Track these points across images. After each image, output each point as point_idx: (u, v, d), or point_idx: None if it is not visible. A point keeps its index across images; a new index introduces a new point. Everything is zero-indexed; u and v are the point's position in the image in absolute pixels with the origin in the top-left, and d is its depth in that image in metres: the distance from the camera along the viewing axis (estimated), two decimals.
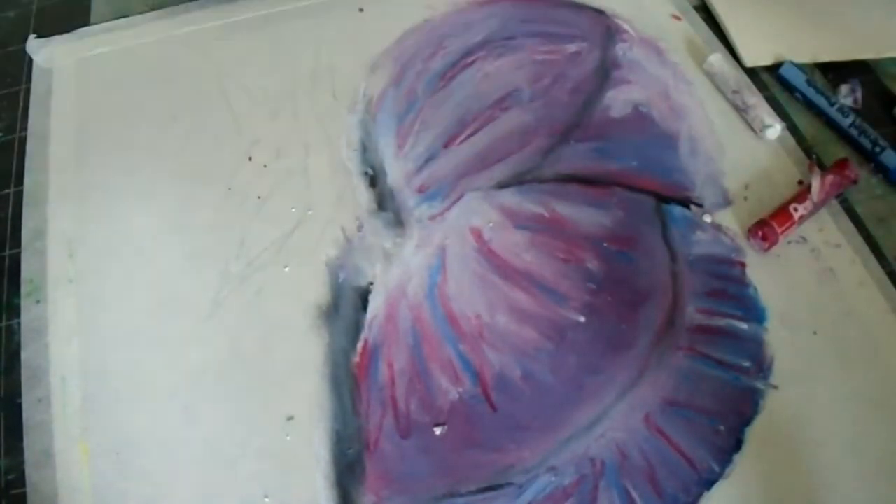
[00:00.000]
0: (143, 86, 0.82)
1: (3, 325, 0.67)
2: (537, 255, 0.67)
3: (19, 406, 0.62)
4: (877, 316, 0.63)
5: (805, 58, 0.79)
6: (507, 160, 0.73)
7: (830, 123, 0.75)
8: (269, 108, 0.79)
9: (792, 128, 0.76)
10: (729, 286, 0.65)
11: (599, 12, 0.85)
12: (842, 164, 0.69)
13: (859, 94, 0.77)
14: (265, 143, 0.76)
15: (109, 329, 0.66)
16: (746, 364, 0.61)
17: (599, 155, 0.73)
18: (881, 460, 0.57)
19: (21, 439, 0.61)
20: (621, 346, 0.62)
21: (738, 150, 0.74)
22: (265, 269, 0.68)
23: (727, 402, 0.59)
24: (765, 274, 0.65)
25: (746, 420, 0.59)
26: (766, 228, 0.66)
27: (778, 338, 0.62)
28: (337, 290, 0.67)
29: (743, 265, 0.66)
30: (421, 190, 0.72)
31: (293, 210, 0.72)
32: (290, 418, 0.60)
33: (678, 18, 0.85)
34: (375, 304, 0.66)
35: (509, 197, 0.71)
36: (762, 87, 0.78)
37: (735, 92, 0.76)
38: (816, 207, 0.67)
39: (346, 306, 0.66)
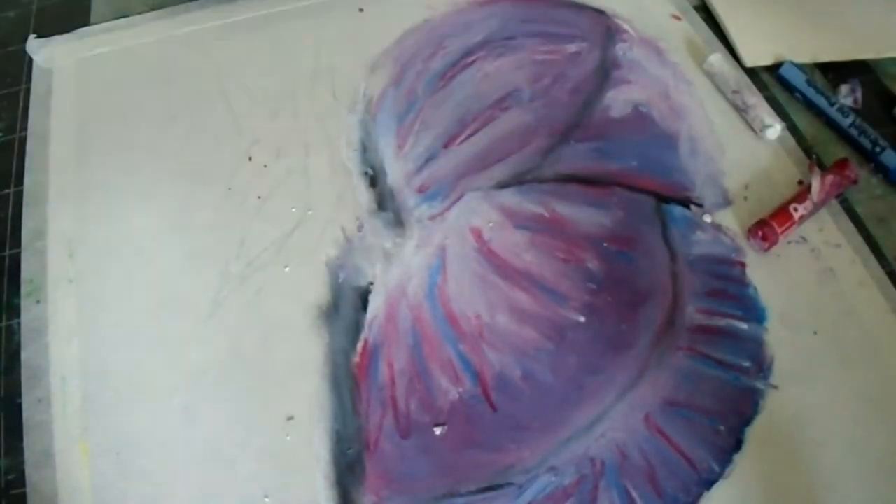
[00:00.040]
0: (143, 86, 0.82)
1: (3, 325, 0.67)
2: (537, 255, 0.67)
3: (19, 406, 0.62)
4: (877, 316, 0.63)
5: (805, 58, 0.79)
6: (507, 160, 0.73)
7: (830, 123, 0.75)
8: (269, 108, 0.79)
9: (792, 128, 0.76)
10: (729, 286, 0.65)
11: (599, 12, 0.85)
12: (842, 164, 0.69)
13: (859, 94, 0.77)
14: (265, 143, 0.76)
15: (109, 329, 0.66)
16: (746, 364, 0.61)
17: (599, 155, 0.73)
18: (881, 460, 0.57)
19: (21, 439, 0.61)
20: (621, 346, 0.62)
21: (738, 150, 0.74)
22: (265, 269, 0.68)
23: (727, 402, 0.59)
24: (765, 274, 0.65)
25: (746, 420, 0.59)
26: (766, 228, 0.66)
27: (778, 338, 0.62)
28: (337, 290, 0.67)
29: (743, 265, 0.66)
30: (421, 190, 0.72)
31: (293, 210, 0.72)
32: (290, 418, 0.60)
33: (678, 18, 0.85)
34: (375, 304, 0.66)
35: (509, 197, 0.71)
36: (762, 87, 0.78)
37: (735, 92, 0.76)
38: (816, 207, 0.67)
39: (346, 306, 0.66)
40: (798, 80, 0.77)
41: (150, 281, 0.68)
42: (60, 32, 0.87)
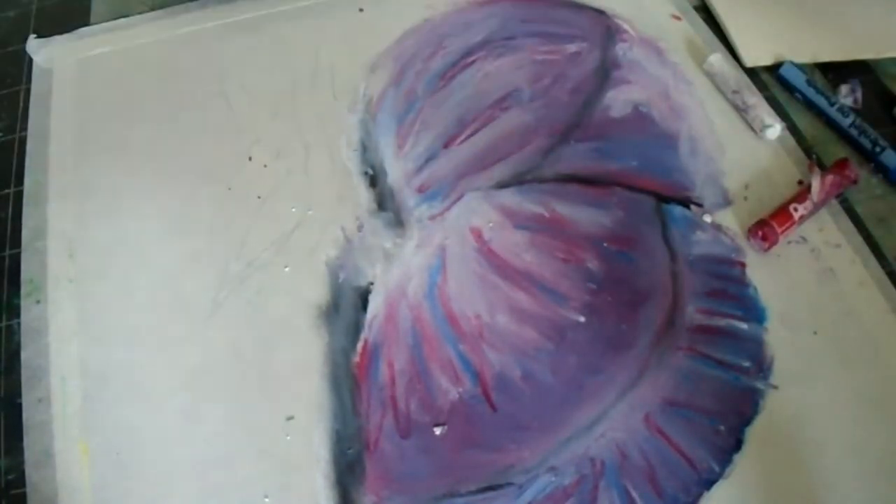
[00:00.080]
0: (142, 86, 0.82)
1: (3, 325, 0.67)
2: (537, 255, 0.67)
3: (19, 406, 0.62)
4: (877, 316, 0.63)
5: (805, 58, 0.79)
6: (507, 160, 0.73)
7: (830, 123, 0.75)
8: (269, 108, 0.79)
9: (792, 128, 0.76)
10: (729, 286, 0.65)
11: (599, 12, 0.85)
12: (842, 164, 0.69)
13: (859, 94, 0.77)
14: (265, 143, 0.76)
15: (109, 329, 0.66)
16: (746, 364, 0.61)
17: (599, 155, 0.73)
18: (881, 460, 0.57)
19: (21, 439, 0.61)
20: (621, 346, 0.62)
21: (738, 150, 0.74)
22: (265, 269, 0.68)
23: (727, 402, 0.59)
24: (765, 274, 0.65)
25: (746, 420, 0.59)
26: (766, 228, 0.66)
27: (778, 338, 0.62)
28: (337, 290, 0.67)
29: (743, 265, 0.66)
30: (421, 190, 0.72)
31: (293, 210, 0.72)
32: (290, 418, 0.60)
33: (678, 18, 0.85)
34: (375, 304, 0.66)
35: (509, 197, 0.71)
36: (762, 87, 0.78)
37: (735, 92, 0.76)
38: (816, 207, 0.67)
39: (346, 306, 0.66)
40: (798, 80, 0.77)
41: (150, 281, 0.68)
42: (60, 32, 0.87)
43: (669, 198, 0.70)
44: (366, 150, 0.75)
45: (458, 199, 0.71)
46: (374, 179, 0.73)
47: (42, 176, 0.76)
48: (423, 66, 0.81)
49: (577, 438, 0.58)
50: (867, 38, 0.81)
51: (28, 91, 0.83)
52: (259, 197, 0.73)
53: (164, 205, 0.73)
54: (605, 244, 0.67)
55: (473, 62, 0.81)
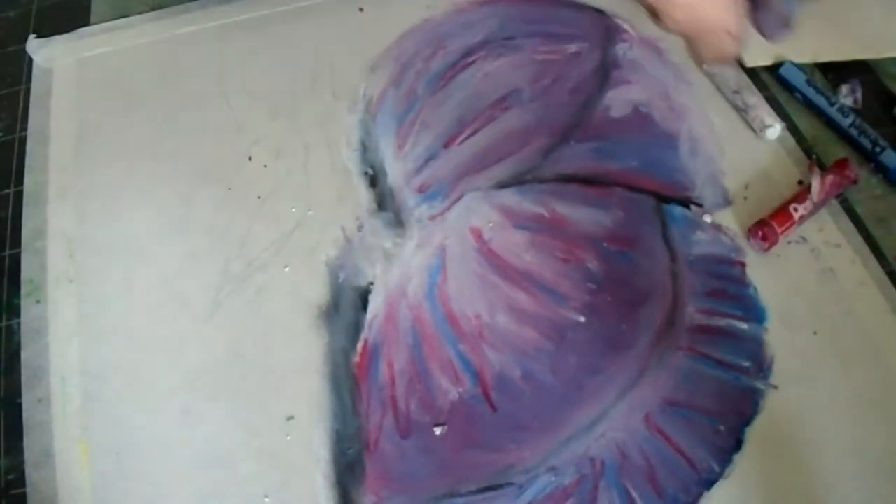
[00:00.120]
0: (143, 86, 0.82)
1: (3, 325, 0.67)
2: (537, 255, 0.67)
3: (19, 406, 0.62)
4: (877, 316, 0.63)
5: (805, 58, 0.79)
6: (507, 160, 0.73)
7: (830, 123, 0.75)
8: (269, 108, 0.79)
9: (792, 128, 0.75)
10: (729, 286, 0.65)
11: (599, 12, 0.85)
12: (842, 164, 0.69)
13: (859, 94, 0.77)
14: (265, 143, 0.76)
15: (109, 329, 0.66)
16: (746, 364, 0.61)
17: (599, 155, 0.73)
18: (881, 460, 0.57)
19: (21, 439, 0.61)
20: (621, 346, 0.62)
21: (738, 150, 0.74)
22: (265, 269, 0.68)
23: (727, 402, 0.59)
24: (765, 274, 0.65)
25: (746, 420, 0.58)
26: (766, 228, 0.66)
27: (778, 338, 0.62)
28: (337, 290, 0.67)
29: (743, 265, 0.66)
30: (421, 190, 0.72)
31: (293, 210, 0.72)
32: (290, 418, 0.60)
33: None
34: (375, 304, 0.66)
35: (509, 197, 0.71)
36: (762, 87, 0.78)
37: (735, 92, 0.76)
38: (816, 207, 0.67)
39: (346, 306, 0.66)
40: (798, 80, 0.77)
41: (150, 281, 0.68)
42: (60, 32, 0.87)
43: (669, 198, 0.70)
44: (366, 150, 0.75)
45: (458, 199, 0.71)
46: (374, 179, 0.73)
47: (42, 176, 0.76)
48: (424, 66, 0.81)
49: (577, 438, 0.58)
50: (867, 38, 0.81)
51: (28, 91, 0.83)
52: (259, 197, 0.73)
53: (164, 205, 0.73)
54: (605, 244, 0.67)
55: (473, 62, 0.81)
